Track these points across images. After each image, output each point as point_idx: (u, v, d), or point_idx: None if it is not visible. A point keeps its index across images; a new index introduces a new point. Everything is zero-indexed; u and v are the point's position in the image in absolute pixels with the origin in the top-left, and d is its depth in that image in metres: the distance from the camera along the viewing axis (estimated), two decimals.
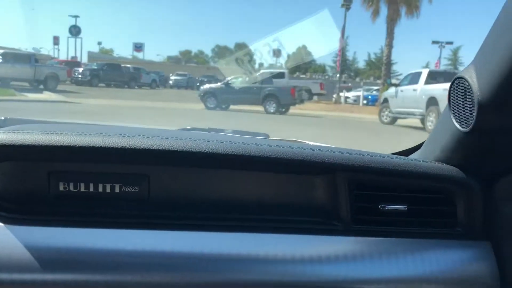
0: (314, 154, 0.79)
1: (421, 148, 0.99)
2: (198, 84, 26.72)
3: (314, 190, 0.82)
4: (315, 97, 24.30)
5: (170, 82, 33.09)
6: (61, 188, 0.74)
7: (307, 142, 1.14)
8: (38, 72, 18.37)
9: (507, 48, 0.67)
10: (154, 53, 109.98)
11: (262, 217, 0.80)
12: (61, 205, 0.74)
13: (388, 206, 0.82)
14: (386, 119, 13.58)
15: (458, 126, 0.79)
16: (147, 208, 0.76)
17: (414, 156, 1.00)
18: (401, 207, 0.82)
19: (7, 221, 0.70)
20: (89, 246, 0.70)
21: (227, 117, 13.10)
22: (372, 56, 63.53)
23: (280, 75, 21.57)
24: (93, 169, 0.75)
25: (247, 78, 18.94)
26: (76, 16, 38.60)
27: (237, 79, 19.32)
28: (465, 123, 0.77)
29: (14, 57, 18.53)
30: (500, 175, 0.84)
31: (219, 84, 19.20)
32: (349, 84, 37.80)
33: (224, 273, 0.72)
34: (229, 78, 20.71)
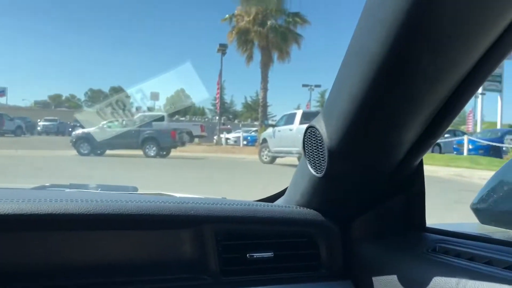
0: (178, 207, 0.78)
1: (285, 193, 1.01)
2: (70, 129, 25.03)
3: (181, 245, 0.80)
4: (196, 139, 24.27)
5: (38, 128, 30.59)
6: None
7: (173, 194, 1.12)
8: None
9: (347, 99, 0.69)
10: (20, 98, 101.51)
11: (131, 279, 0.76)
12: None
13: (256, 255, 0.82)
14: (266, 158, 13.96)
15: (313, 172, 0.82)
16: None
17: (279, 201, 1.02)
18: (268, 254, 0.83)
19: None
20: None
21: (100, 163, 12.33)
22: (249, 99, 66.39)
23: (160, 118, 21.23)
24: None
25: (123, 122, 18.36)
26: None
27: (113, 123, 18.60)
28: (319, 169, 0.80)
29: None
30: (354, 216, 0.88)
31: (93, 128, 18.27)
32: (229, 126, 38.62)
33: None
34: (104, 123, 19.82)
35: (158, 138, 15.50)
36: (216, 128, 29.08)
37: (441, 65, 0.61)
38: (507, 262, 0.63)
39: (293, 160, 12.55)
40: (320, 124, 0.78)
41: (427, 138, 0.74)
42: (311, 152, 0.82)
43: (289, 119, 13.29)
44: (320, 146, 0.78)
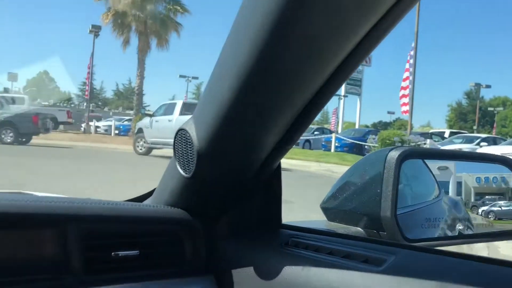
0: (40, 206, 0.78)
1: (154, 193, 1.04)
2: None
3: (43, 245, 0.79)
4: (62, 126, 22.31)
5: None
6: None
7: (34, 193, 1.08)
8: None
9: (216, 105, 0.75)
10: None
11: None
12: None
13: (121, 253, 0.83)
14: (141, 149, 13.37)
15: (182, 172, 0.86)
16: None
17: (147, 201, 1.04)
18: (134, 252, 0.84)
19: None
20: None
21: None
22: (121, 86, 63.81)
23: (19, 101, 19.08)
24: None
25: None
26: None
27: None
28: (188, 169, 0.84)
29: None
30: (218, 215, 0.94)
31: None
32: (99, 114, 36.44)
33: None
34: None
35: (16, 123, 13.89)
36: (85, 115, 27.23)
37: (302, 73, 0.69)
38: (345, 252, 0.76)
39: (170, 151, 12.17)
40: (190, 127, 0.83)
41: (284, 144, 0.83)
42: (181, 154, 0.86)
43: (168, 109, 12.87)
44: (190, 148, 0.83)
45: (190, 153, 0.83)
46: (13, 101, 18.12)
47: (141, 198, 1.09)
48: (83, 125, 25.29)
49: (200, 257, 0.92)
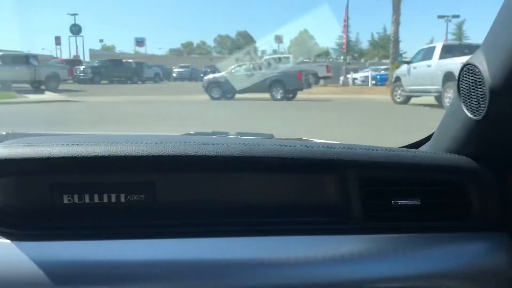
0: (322, 152, 0.78)
1: (431, 139, 0.98)
2: (201, 75, 26.23)
3: (324, 189, 0.80)
4: (322, 81, 23.71)
5: (174, 74, 32.62)
6: (65, 200, 0.72)
7: (314, 140, 1.11)
8: (38, 73, 17.97)
9: None
10: (156, 47, 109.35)
11: (273, 220, 0.77)
12: (66, 218, 0.72)
13: (400, 202, 0.79)
14: (399, 98, 13.02)
15: (469, 114, 0.78)
16: (154, 216, 0.74)
17: (424, 148, 0.98)
18: (414, 202, 0.80)
19: (11, 237, 0.69)
20: (96, 259, 0.68)
21: (233, 107, 12.65)
22: (376, 35, 62.87)
23: (285, 60, 21.08)
24: (97, 179, 0.73)
25: (251, 66, 18.64)
26: (75, 14, 38.14)
27: (241, 67, 19.01)
28: (477, 111, 0.76)
29: (13, 58, 18.15)
30: None
31: (223, 73, 18.82)
32: (355, 66, 37.03)
33: (236, 279, 0.70)
34: (232, 67, 20.37)
35: (284, 81, 15.36)
36: (342, 68, 28.11)
37: None
38: None
39: (430, 99, 11.48)
40: (479, 61, 0.74)
41: None
42: (467, 93, 0.78)
43: (427, 54, 12.03)
44: (480, 85, 0.74)
45: (480, 91, 0.74)
46: (280, 61, 20.14)
47: (416, 145, 1.05)
48: (341, 78, 26.21)
49: (490, 211, 0.82)
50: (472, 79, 0.76)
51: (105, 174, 0.73)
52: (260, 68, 17.41)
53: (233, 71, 18.42)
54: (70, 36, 37.36)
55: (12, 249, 0.68)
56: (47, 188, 0.72)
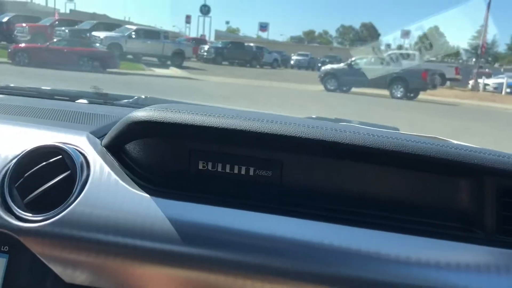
0: (460, 154, 0.74)
1: None
2: (319, 64, 25.85)
3: (456, 193, 0.76)
4: (448, 83, 21.95)
5: (291, 62, 32.66)
6: (200, 166, 0.77)
7: (449, 140, 1.03)
8: (166, 48, 19.18)
9: None
10: (278, 33, 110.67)
11: (394, 216, 0.76)
12: (199, 182, 0.78)
13: None
14: None
15: None
16: (278, 193, 0.77)
17: None
18: None
19: (153, 193, 0.74)
20: (223, 225, 0.72)
21: (347, 101, 12.20)
22: None
23: (411, 57, 19.83)
24: (230, 150, 0.77)
25: (373, 59, 17.82)
26: None
27: (362, 60, 18.26)
28: None
29: (146, 33, 19.57)
30: None
31: (341, 64, 18.32)
32: (488, 70, 33.77)
33: (348, 269, 0.70)
34: (353, 59, 19.68)
35: (407, 78, 14.47)
36: (473, 72, 25.76)
37: None
38: None
39: None
40: None
41: None
42: None
43: None
44: None
45: None
46: (405, 57, 18.98)
47: None
48: (470, 82, 24.05)
49: None
50: None
51: (238, 146, 0.77)
52: (383, 63, 16.60)
53: (353, 63, 17.82)
54: (199, 16, 39.12)
55: (150, 204, 0.73)
56: (185, 153, 0.78)
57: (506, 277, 0.71)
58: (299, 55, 33.80)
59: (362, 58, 18.61)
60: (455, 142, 0.97)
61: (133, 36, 18.95)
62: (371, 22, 79.38)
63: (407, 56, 19.78)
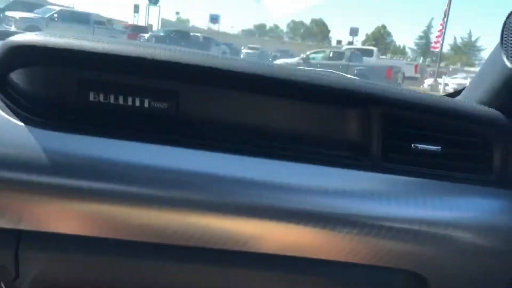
0: (348, 84, 0.77)
1: (464, 89, 0.98)
2: (270, 59, 24.08)
3: (345, 123, 0.78)
4: (405, 82, 20.80)
5: (241, 55, 30.71)
6: (91, 98, 0.73)
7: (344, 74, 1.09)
8: (97, 34, 16.58)
9: None
10: (229, 26, 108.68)
11: (289, 146, 0.77)
12: (90, 114, 0.74)
13: (421, 146, 0.78)
14: None
15: (509, 64, 0.79)
16: (173, 125, 0.75)
17: (456, 98, 0.96)
18: (435, 148, 0.79)
19: (30, 122, 0.70)
20: (110, 157, 0.70)
21: None
22: (459, 40, 58.75)
23: (368, 53, 18.43)
24: (123, 80, 0.73)
25: (331, 54, 16.12)
26: None
27: (318, 54, 16.60)
28: None
29: (72, 16, 16.90)
30: None
31: (296, 59, 16.59)
32: (446, 70, 33.46)
33: (243, 197, 0.71)
34: (308, 53, 17.95)
35: (370, 77, 12.92)
36: (427, 70, 25.03)
37: None
38: None
39: None
40: None
41: None
42: (510, 41, 0.79)
43: None
44: None
45: None
46: (363, 53, 17.56)
47: (450, 96, 1.01)
48: (426, 81, 23.08)
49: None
50: None
51: (132, 76, 0.73)
52: (341, 58, 14.95)
53: (309, 57, 16.01)
54: (147, 5, 37.45)
55: (25, 134, 0.69)
56: (74, 83, 0.72)
57: (389, 200, 0.73)
58: (249, 48, 32.24)
59: (319, 53, 17.01)
60: (347, 76, 0.99)
61: (56, 19, 16.21)
62: (321, 18, 79.07)
63: (366, 52, 18.38)
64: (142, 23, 35.52)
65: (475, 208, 0.77)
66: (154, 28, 32.36)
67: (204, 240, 0.71)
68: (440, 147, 0.77)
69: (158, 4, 37.25)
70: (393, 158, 0.77)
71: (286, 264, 0.74)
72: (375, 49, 20.39)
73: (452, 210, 0.75)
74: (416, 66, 20.83)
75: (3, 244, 0.70)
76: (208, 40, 25.97)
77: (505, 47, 0.77)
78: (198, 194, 0.69)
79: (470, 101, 0.85)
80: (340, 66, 13.51)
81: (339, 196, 0.72)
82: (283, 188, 0.71)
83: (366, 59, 16.63)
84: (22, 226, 0.69)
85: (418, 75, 20.71)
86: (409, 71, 20.06)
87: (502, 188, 0.79)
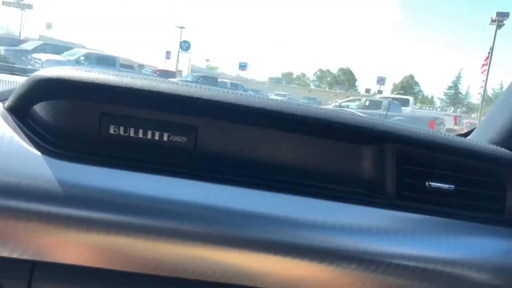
0: (364, 121, 0.78)
1: (475, 129, 0.99)
2: None
3: (359, 160, 0.79)
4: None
5: None
6: (111, 130, 0.74)
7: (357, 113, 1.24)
8: None
9: None
10: (257, 72, 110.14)
11: (304, 181, 0.77)
12: (110, 147, 0.75)
13: (434, 184, 0.78)
14: None
15: None
16: (192, 159, 0.76)
17: (468, 137, 0.98)
18: (448, 186, 0.79)
19: (49, 154, 0.70)
20: (132, 190, 0.70)
21: None
22: (490, 91, 57.53)
23: (404, 102, 17.42)
24: (144, 115, 0.74)
25: (366, 102, 15.09)
26: (182, 28, 39.49)
27: (352, 103, 15.65)
28: None
29: (98, 59, 16.60)
30: None
31: (329, 107, 15.52)
32: (476, 121, 32.07)
33: (261, 232, 0.71)
34: (341, 101, 16.99)
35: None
36: (463, 122, 23.84)
37: None
38: None
39: None
40: None
41: None
42: None
43: None
44: None
45: None
46: (401, 102, 16.57)
47: (462, 136, 1.00)
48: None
49: None
50: None
51: (152, 111, 0.73)
52: (378, 106, 13.95)
53: (342, 105, 15.05)
54: (179, 52, 38.22)
55: (54, 167, 0.69)
56: (96, 116, 0.73)
57: (403, 238, 0.73)
58: (277, 94, 32.09)
59: (353, 101, 16.07)
60: (362, 114, 0.97)
61: (82, 62, 15.90)
62: (348, 67, 79.03)
63: (402, 101, 17.38)
64: (172, 68, 35.74)
65: (487, 248, 0.76)
66: (184, 74, 32.39)
67: (218, 275, 0.70)
68: (453, 186, 0.77)
69: (189, 51, 38.22)
70: (407, 196, 0.77)
71: None
72: (411, 98, 19.40)
73: (464, 249, 0.75)
74: (455, 118, 19.62)
75: (17, 275, 0.69)
76: (235, 86, 25.56)
77: None
78: (213, 228, 0.69)
79: (482, 141, 0.86)
80: (378, 116, 12.47)
81: (355, 233, 0.72)
82: (299, 224, 0.71)
83: (403, 109, 15.61)
84: (36, 257, 0.68)
85: (457, 127, 19.49)
86: (449, 123, 18.92)
87: None
